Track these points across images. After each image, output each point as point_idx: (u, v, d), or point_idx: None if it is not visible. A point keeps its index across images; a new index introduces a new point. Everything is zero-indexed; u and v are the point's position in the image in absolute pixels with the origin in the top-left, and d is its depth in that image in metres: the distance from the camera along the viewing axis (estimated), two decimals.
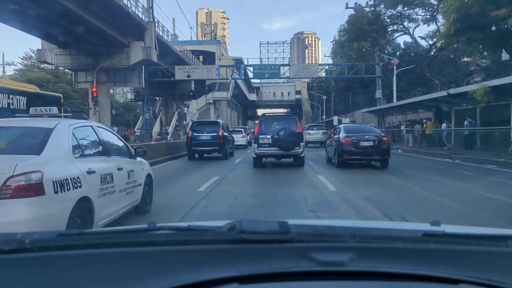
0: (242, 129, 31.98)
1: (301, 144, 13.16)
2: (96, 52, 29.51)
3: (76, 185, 3.93)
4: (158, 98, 52.26)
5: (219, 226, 1.09)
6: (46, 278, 0.97)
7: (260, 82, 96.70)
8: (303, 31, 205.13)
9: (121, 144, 5.89)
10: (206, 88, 52.48)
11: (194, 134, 17.13)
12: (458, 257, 1.02)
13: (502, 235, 1.29)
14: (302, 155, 13.32)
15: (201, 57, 52.05)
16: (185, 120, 43.48)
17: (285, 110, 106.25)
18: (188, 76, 33.66)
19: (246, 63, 36.02)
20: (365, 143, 12.78)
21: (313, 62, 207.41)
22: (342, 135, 13.18)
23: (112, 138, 5.68)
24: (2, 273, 1.00)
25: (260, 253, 0.99)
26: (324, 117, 57.03)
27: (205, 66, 35.77)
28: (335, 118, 47.52)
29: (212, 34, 60.90)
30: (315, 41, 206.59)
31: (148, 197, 6.31)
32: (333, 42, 39.17)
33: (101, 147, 5.02)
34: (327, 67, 46.24)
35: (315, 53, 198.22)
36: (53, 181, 3.61)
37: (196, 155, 17.74)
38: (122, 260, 1.02)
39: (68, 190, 3.80)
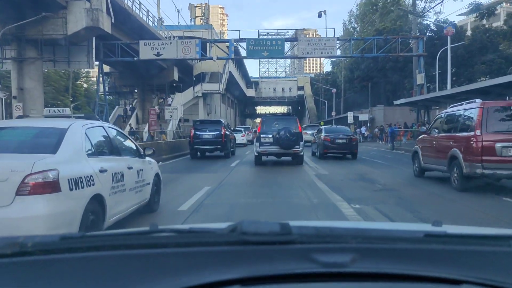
0: (243, 129, 32.36)
1: (301, 143, 13.33)
2: (19, 16, 19.78)
3: (89, 183, 3.98)
4: (136, 91, 42.84)
5: (221, 228, 1.07)
6: (48, 281, 0.96)
7: (259, 76, 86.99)
8: (304, 28, 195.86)
9: (130, 143, 5.90)
10: (194, 78, 42.69)
11: (196, 133, 16.85)
12: (461, 258, 1.01)
13: (504, 235, 1.25)
14: (302, 153, 13.60)
15: None
16: (165, 117, 33.62)
17: (286, 108, 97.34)
18: (158, 54, 23.96)
19: (238, 37, 26.14)
20: (340, 141, 16.17)
21: (314, 59, 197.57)
22: (323, 134, 16.58)
23: (122, 138, 5.72)
24: (4, 276, 0.97)
25: (262, 255, 0.97)
26: (333, 113, 47.31)
27: (181, 40, 26.05)
28: (350, 115, 37.79)
29: (203, 18, 50.97)
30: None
31: (156, 196, 6.25)
32: None
33: (112, 146, 5.03)
34: (337, 54, 36.36)
35: None
36: (68, 179, 3.66)
37: (198, 154, 17.40)
38: (124, 262, 0.99)
39: (82, 187, 3.85)
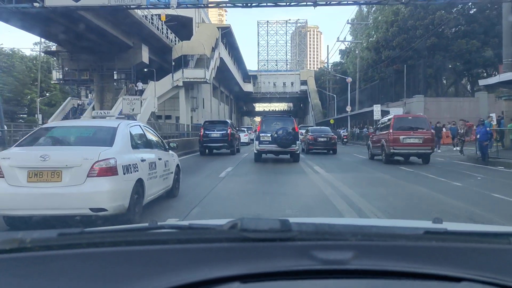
0: (245, 129, 34.82)
1: (297, 142, 14.01)
2: None
3: (135, 169, 5.00)
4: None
5: (220, 225, 1.05)
6: (47, 277, 0.94)
7: (257, 69, 76.54)
8: (304, 24, 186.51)
9: (158, 139, 6.74)
10: (173, 63, 32.30)
11: (205, 132, 18.00)
12: (460, 255, 0.98)
13: (504, 232, 1.23)
14: (298, 152, 14.25)
15: (163, 16, 31.97)
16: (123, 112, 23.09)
17: (287, 105, 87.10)
18: None
19: None
20: (322, 139, 19.20)
21: (314, 56, 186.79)
22: (309, 134, 19.87)
23: (152, 134, 6.64)
24: (3, 272, 0.96)
25: (262, 252, 0.96)
26: (349, 108, 36.97)
27: None
28: (376, 108, 27.42)
29: None
30: (317, 34, 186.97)
31: (177, 183, 7.04)
32: None
33: (146, 141, 6.06)
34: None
35: (316, 47, 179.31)
36: (122, 166, 4.70)
37: (207, 151, 18.42)
38: (123, 259, 0.97)
39: (131, 172, 4.89)
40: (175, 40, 34.75)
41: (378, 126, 15.77)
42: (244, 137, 27.94)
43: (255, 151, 14.20)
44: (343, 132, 32.50)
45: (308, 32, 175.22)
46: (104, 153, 4.57)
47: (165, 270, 0.91)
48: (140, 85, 30.78)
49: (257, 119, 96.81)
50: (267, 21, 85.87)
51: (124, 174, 4.69)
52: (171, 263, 0.93)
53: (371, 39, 39.09)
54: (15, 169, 4.42)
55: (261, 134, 13.96)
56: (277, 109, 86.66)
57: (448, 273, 0.90)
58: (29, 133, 5.54)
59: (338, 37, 57.06)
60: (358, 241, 0.99)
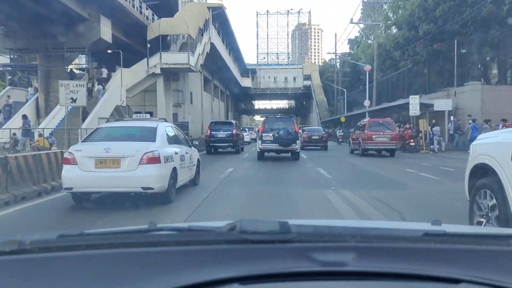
0: (247, 129, 35.93)
1: (297, 141, 14.72)
2: None
3: (171, 160, 6.45)
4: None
5: (220, 227, 1.05)
6: (46, 279, 0.93)
7: (257, 63, 69.25)
8: (305, 22, 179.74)
9: (184, 137, 8.27)
10: (148, 45, 25.06)
11: (212, 132, 18.84)
12: (459, 257, 0.98)
13: (503, 234, 1.23)
14: (298, 151, 14.87)
15: None
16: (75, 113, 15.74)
17: (288, 103, 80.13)
18: None
19: None
20: (315, 137, 22.35)
21: (316, 54, 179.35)
22: (304, 133, 22.67)
23: (180, 133, 8.12)
24: (2, 274, 0.95)
25: (261, 253, 0.95)
26: (367, 103, 29.68)
27: None
28: (413, 101, 20.16)
29: None
30: (318, 32, 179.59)
31: (197, 174, 8.50)
32: None
33: (176, 138, 7.50)
34: None
35: (318, 45, 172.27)
36: (163, 156, 6.14)
37: (212, 150, 19.40)
38: (123, 260, 0.97)
39: (169, 162, 6.32)
40: (153, 19, 27.57)
41: (358, 126, 19.07)
42: (246, 137, 28.41)
43: (258, 150, 14.99)
44: (339, 132, 34.33)
45: (309, 29, 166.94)
46: (151, 147, 6.04)
47: (164, 272, 0.90)
48: (104, 72, 23.61)
49: (257, 118, 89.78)
50: (267, 11, 78.55)
51: (165, 162, 6.14)
52: (170, 265, 0.92)
53: (389, 21, 31.86)
54: (85, 158, 5.92)
55: (263, 134, 14.64)
56: (278, 107, 79.43)
57: (447, 275, 0.89)
58: (90, 132, 7.12)
59: (352, 19, 49.48)
60: (357, 243, 0.97)
